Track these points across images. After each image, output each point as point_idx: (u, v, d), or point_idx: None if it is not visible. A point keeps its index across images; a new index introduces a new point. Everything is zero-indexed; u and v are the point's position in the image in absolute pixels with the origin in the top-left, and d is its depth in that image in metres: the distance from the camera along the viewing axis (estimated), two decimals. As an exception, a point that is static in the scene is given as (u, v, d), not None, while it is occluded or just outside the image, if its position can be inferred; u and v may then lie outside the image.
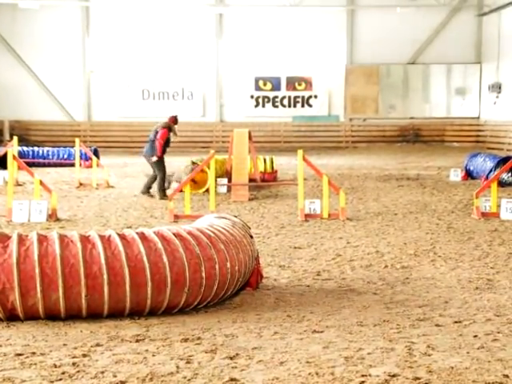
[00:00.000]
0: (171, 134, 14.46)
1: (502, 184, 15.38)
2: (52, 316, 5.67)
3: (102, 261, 5.64)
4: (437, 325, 5.67)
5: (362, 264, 8.18)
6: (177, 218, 11.46)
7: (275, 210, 12.73)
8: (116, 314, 5.77)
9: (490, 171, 16.04)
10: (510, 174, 15.80)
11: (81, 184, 16.47)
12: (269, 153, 23.54)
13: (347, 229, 10.72)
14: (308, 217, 11.65)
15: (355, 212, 12.44)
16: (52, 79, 32.57)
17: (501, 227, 10.68)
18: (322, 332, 5.48)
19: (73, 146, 19.81)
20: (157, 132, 14.29)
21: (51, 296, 5.54)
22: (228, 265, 6.10)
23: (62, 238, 5.76)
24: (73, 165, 18.39)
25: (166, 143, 14.32)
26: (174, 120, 14.70)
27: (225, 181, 15.27)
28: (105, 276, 5.61)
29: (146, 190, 14.52)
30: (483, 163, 17.18)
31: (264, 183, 16.19)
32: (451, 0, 31.70)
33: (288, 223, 11.25)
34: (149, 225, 10.66)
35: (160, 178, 14.27)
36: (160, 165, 14.26)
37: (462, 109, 33.49)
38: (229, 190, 15.03)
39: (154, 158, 14.23)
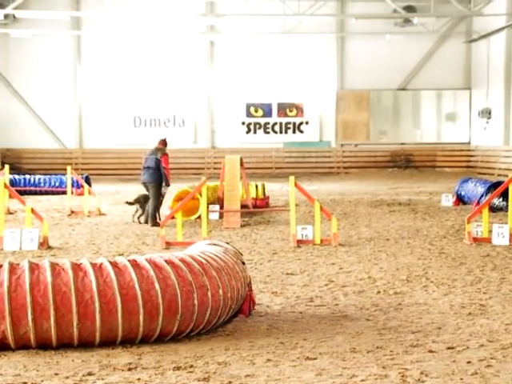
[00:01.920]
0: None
1: (493, 209, 15.43)
2: (43, 345, 5.62)
3: (94, 289, 5.61)
4: (430, 351, 5.65)
5: (355, 290, 8.17)
6: (169, 244, 11.44)
7: (267, 236, 12.72)
8: (108, 342, 5.73)
9: (482, 196, 16.09)
10: (501, 199, 15.84)
11: (72, 212, 16.42)
12: (260, 179, 23.60)
13: (339, 255, 10.71)
14: (300, 243, 11.65)
15: (347, 238, 12.44)
16: (44, 107, 32.63)
17: (493, 252, 10.69)
18: (315, 359, 5.46)
19: (64, 174, 19.79)
20: (158, 159, 14.16)
21: (43, 325, 5.51)
22: (220, 292, 6.08)
23: (53, 266, 5.73)
24: (64, 192, 18.36)
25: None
26: (165, 143, 14.69)
27: (217, 207, 15.27)
28: (97, 304, 5.58)
29: (153, 220, 14.18)
30: (474, 188, 17.24)
31: (256, 209, 16.19)
32: (440, 27, 32.01)
33: (280, 249, 11.24)
34: (140, 252, 10.63)
35: (154, 205, 14.22)
36: (158, 192, 14.21)
37: (453, 134, 33.70)
38: (221, 216, 15.02)
39: (164, 189, 14.25)
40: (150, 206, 14.29)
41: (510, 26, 28.37)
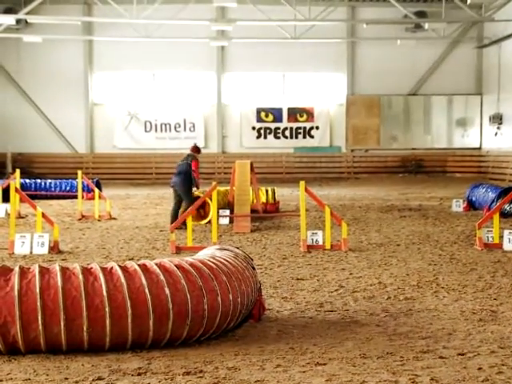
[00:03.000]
0: None
1: (504, 215, 15.37)
2: (53, 349, 5.64)
3: (104, 293, 5.62)
4: (441, 357, 5.62)
5: (365, 295, 8.15)
6: (179, 249, 11.44)
7: (277, 241, 12.71)
8: (118, 346, 5.73)
9: (492, 202, 16.03)
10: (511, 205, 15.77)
11: (83, 216, 16.48)
12: (271, 184, 23.58)
13: (350, 260, 10.69)
14: (310, 248, 11.63)
15: (357, 243, 12.42)
16: (55, 112, 32.77)
17: (503, 258, 10.65)
18: (325, 364, 5.44)
19: (75, 178, 19.85)
20: (188, 165, 14.68)
21: (53, 329, 5.52)
22: (230, 297, 6.08)
23: (63, 270, 5.75)
24: (75, 197, 18.41)
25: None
26: (196, 149, 15.30)
27: (227, 212, 15.27)
28: (107, 308, 5.59)
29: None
30: (485, 194, 17.18)
31: (266, 214, 16.19)
32: (451, 32, 31.96)
33: (290, 254, 11.23)
34: (151, 257, 10.65)
35: (185, 209, 14.35)
36: (188, 196, 14.57)
37: (464, 140, 33.61)
38: (231, 221, 15.02)
39: (195, 189, 14.72)
40: (181, 209, 14.53)
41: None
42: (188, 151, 15.27)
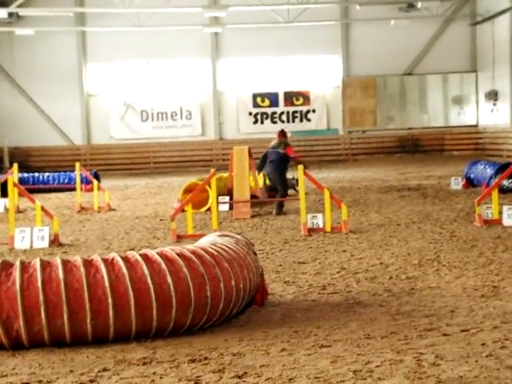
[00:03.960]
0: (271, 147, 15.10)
1: (502, 191, 15.37)
2: (57, 342, 5.64)
3: (106, 284, 5.62)
4: (444, 334, 5.64)
5: (367, 276, 8.16)
6: (179, 238, 11.45)
7: (278, 226, 12.72)
8: (122, 337, 5.74)
9: (491, 178, 16.03)
10: (510, 181, 15.77)
11: (82, 208, 16.46)
12: (269, 169, 23.53)
13: (350, 242, 10.70)
14: (311, 231, 11.64)
15: (358, 224, 12.43)
16: (50, 104, 32.67)
17: (503, 234, 10.66)
18: (329, 346, 5.46)
19: (73, 171, 19.83)
20: (280, 153, 14.72)
21: (56, 322, 5.52)
22: (233, 283, 6.09)
23: (65, 263, 5.75)
24: (74, 189, 18.40)
25: (264, 158, 15.02)
26: (284, 134, 15.43)
27: (226, 199, 15.26)
28: (109, 300, 5.59)
29: (280, 209, 14.48)
30: (483, 171, 17.18)
31: (266, 199, 16.18)
32: (444, 10, 31.84)
33: (291, 238, 11.24)
34: (151, 246, 10.65)
35: (281, 195, 14.82)
36: (285, 182, 15.04)
37: (460, 117, 33.56)
38: (231, 207, 15.02)
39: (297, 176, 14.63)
40: (277, 196, 14.92)
41: (514, 7, 28.19)
42: (272, 137, 15.39)
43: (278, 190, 14.98)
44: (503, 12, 28.89)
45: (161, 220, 14.15)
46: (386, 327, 5.93)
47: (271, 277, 8.22)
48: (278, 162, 14.83)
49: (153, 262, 5.85)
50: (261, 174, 17.36)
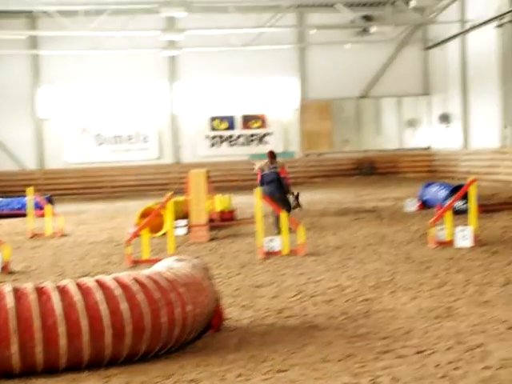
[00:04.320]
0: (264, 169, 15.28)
1: (456, 212, 15.57)
2: (5, 373, 5.48)
3: (58, 312, 5.52)
4: (400, 356, 5.68)
5: (324, 299, 8.18)
6: (135, 263, 11.34)
7: (235, 250, 12.69)
8: (74, 366, 5.63)
9: (444, 200, 16.25)
10: (462, 202, 16.00)
11: (34, 234, 16.18)
12: (226, 192, 23.55)
13: (308, 264, 10.72)
14: (268, 254, 11.64)
15: (315, 247, 12.47)
16: (2, 129, 32.21)
17: (457, 255, 10.80)
18: (286, 371, 5.44)
19: (26, 196, 19.51)
20: (278, 173, 14.95)
21: (4, 352, 5.39)
22: (189, 308, 6.04)
23: (15, 290, 5.63)
24: (26, 215, 18.10)
25: (261, 182, 15.02)
26: (273, 155, 15.42)
27: (183, 222, 15.20)
28: (62, 328, 5.48)
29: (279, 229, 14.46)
30: (437, 192, 17.40)
31: (223, 223, 16.16)
32: (397, 35, 32.41)
33: (248, 262, 11.21)
34: (106, 272, 10.51)
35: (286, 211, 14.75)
36: (286, 201, 14.91)
37: (414, 140, 34.09)
38: (188, 231, 14.96)
39: (291, 196, 15.06)
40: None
41: (463, 33, 28.83)
42: (257, 158, 15.39)
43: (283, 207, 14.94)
44: (453, 37, 29.55)
45: (116, 245, 14.00)
46: (343, 350, 5.94)
47: (228, 301, 8.18)
48: (276, 182, 14.98)
49: (107, 288, 5.78)
50: (219, 197, 17.37)
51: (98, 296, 5.68)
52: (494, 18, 25.37)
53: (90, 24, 27.72)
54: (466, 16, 28.78)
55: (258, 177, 15.18)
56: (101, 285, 5.80)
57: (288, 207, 14.87)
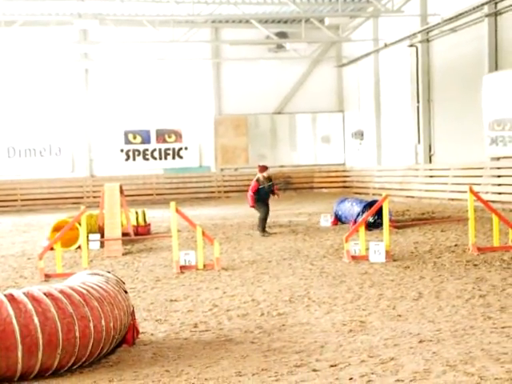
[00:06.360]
0: (261, 182, 16.97)
1: (369, 227, 15.94)
2: None
3: (-32, 327, 5.36)
4: (314, 370, 5.74)
5: (239, 313, 8.21)
6: (48, 277, 11.10)
7: (150, 264, 12.59)
8: (-16, 382, 5.48)
9: (358, 215, 16.59)
10: (376, 217, 16.38)
11: None
12: (141, 206, 23.35)
13: (223, 279, 10.74)
14: (183, 268, 11.60)
15: (230, 261, 12.50)
16: None
17: (370, 269, 11.03)
18: (201, 385, 5.43)
19: None
20: (272, 188, 17.12)
21: None
22: (103, 322, 5.96)
23: None
24: None
25: (257, 192, 16.74)
26: (261, 169, 17.35)
27: (97, 236, 14.98)
28: (-29, 343, 5.33)
29: (262, 229, 16.67)
30: (351, 208, 17.73)
31: (137, 237, 16.01)
32: (312, 52, 32.97)
33: (163, 276, 11.15)
34: (18, 286, 10.26)
35: (261, 218, 16.80)
36: (259, 209, 16.87)
37: (328, 156, 34.67)
38: (102, 245, 14.74)
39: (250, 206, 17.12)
40: (264, 218, 16.88)
41: (376, 51, 29.62)
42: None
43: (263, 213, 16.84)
44: (367, 55, 30.30)
45: (28, 259, 13.67)
46: (257, 364, 5.97)
47: (142, 315, 8.11)
48: (268, 195, 17.01)
49: (18, 302, 5.64)
50: (133, 211, 17.21)
51: (10, 310, 5.53)
52: (406, 37, 26.18)
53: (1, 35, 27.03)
54: (378, 35, 29.58)
55: (254, 186, 16.74)
56: (12, 299, 5.66)
57: (262, 213, 16.67)
